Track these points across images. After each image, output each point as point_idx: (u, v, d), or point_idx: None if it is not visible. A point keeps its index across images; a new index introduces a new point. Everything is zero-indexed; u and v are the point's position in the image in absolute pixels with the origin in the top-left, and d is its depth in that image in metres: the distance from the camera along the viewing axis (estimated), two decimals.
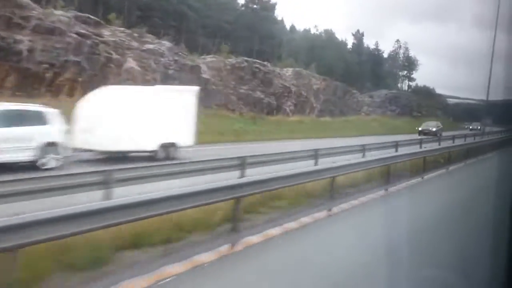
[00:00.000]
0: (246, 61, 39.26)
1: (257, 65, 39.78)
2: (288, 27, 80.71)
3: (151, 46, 29.19)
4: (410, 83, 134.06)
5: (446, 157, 16.05)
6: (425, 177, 12.83)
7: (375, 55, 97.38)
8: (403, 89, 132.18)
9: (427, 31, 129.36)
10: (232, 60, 38.67)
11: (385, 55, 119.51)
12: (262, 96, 38.40)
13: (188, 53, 37.66)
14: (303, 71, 47.38)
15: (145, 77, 26.49)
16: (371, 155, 12.48)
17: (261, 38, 61.26)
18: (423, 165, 13.57)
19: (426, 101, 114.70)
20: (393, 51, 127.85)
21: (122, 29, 28.91)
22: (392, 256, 4.84)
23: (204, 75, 31.66)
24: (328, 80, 51.11)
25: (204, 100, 31.73)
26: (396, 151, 15.72)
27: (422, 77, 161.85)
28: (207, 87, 31.66)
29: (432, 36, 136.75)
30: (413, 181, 11.96)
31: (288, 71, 45.92)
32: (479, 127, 44.75)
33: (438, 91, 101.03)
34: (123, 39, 27.46)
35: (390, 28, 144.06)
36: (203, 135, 17.03)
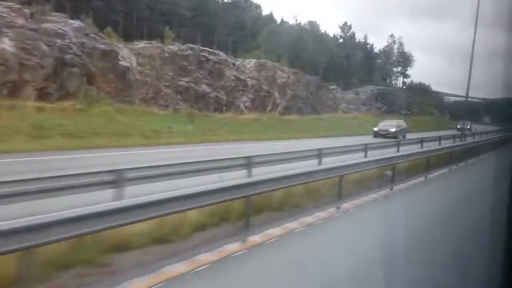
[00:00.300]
0: (192, 48, 33.17)
1: (205, 54, 33.70)
2: (279, 20, 74.58)
3: (48, 25, 23.15)
4: (405, 79, 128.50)
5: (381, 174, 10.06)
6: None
7: (364, 49, 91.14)
8: (398, 85, 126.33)
9: (426, 28, 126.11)
10: (174, 47, 32.61)
11: (379, 50, 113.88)
12: (209, 89, 32.33)
13: (121, 40, 31.71)
14: (268, 63, 41.26)
15: (24, 62, 20.48)
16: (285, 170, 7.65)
17: (231, 28, 55.31)
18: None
19: (421, 99, 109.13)
20: (387, 46, 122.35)
21: (10, 3, 22.90)
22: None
23: (123, 63, 25.59)
24: (299, 73, 44.98)
25: (122, 94, 25.81)
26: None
27: (422, 75, 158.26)
28: (126, 77, 25.63)
29: (432, 33, 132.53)
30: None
31: (251, 63, 39.92)
32: (468, 127, 40.95)
33: (439, 89, 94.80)
34: (5, 15, 21.47)
35: (389, 25, 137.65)
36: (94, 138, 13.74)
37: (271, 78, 38.80)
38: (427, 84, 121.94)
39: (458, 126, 41.35)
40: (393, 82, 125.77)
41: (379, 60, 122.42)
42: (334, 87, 53.74)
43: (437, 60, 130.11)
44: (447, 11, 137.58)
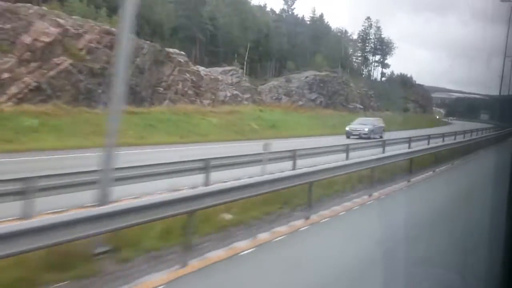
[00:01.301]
0: None
1: None
2: None
3: None
4: (384, 70, 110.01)
5: None
6: None
7: (317, 28, 72.94)
8: (375, 76, 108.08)
9: (426, 23, 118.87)
10: None
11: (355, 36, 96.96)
12: None
13: None
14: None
15: None
16: None
17: None
18: None
19: (399, 92, 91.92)
20: (362, 31, 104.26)
21: None
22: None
23: None
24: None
25: None
26: None
27: (421, 70, 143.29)
28: None
29: (432, 28, 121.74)
30: None
31: None
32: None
33: (440, 84, 78.94)
34: None
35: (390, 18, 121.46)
36: None
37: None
38: (408, 75, 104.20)
39: None
40: (371, 72, 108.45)
41: (351, 51, 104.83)
42: (205, 70, 35.97)
43: (438, 56, 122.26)
44: (447, 5, 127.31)
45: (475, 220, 6.04)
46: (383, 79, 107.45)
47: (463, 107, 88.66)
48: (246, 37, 52.59)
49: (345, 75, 55.34)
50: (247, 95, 36.30)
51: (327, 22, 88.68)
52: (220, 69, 38.05)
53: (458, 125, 55.36)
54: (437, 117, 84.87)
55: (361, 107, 53.73)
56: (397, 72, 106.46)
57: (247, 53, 54.31)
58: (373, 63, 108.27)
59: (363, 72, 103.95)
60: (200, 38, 44.82)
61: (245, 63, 54.53)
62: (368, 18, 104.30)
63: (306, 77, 49.88)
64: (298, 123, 32.79)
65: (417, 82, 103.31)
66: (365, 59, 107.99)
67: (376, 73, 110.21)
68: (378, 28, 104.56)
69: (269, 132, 28.22)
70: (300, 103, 44.92)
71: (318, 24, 75.53)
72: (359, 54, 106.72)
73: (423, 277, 4.41)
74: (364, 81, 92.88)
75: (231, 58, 43.06)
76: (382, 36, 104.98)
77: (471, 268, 4.29)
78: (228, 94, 32.68)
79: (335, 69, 54.24)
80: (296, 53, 60.66)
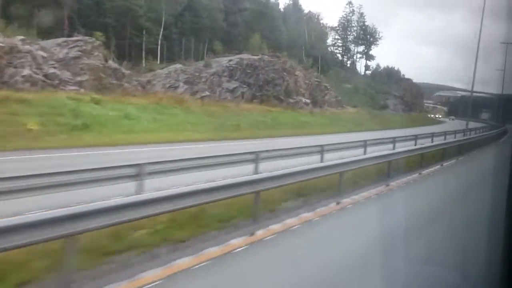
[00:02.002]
0: None
1: None
2: None
3: None
4: (369, 62, 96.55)
5: None
6: None
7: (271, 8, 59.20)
8: (359, 69, 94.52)
9: (431, 20, 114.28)
10: None
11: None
12: None
13: None
14: None
15: None
16: None
17: None
18: None
19: (381, 86, 79.11)
20: (343, 17, 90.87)
21: None
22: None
23: None
24: None
25: None
26: None
27: (422, 68, 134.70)
28: None
29: (437, 25, 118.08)
30: None
31: None
32: None
33: (450, 83, 73.34)
34: None
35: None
36: None
37: None
38: (395, 68, 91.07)
39: None
40: (355, 64, 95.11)
41: (332, 40, 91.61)
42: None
43: (443, 54, 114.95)
44: (453, 2, 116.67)
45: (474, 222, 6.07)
46: (368, 72, 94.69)
47: (467, 105, 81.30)
48: (156, 7, 39.66)
49: (291, 61, 42.08)
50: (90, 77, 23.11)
51: (301, 4, 75.61)
52: (59, 40, 25.08)
53: (450, 124, 52.91)
54: (431, 115, 78.42)
55: (308, 101, 40.51)
56: (388, 65, 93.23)
57: (161, 30, 41.43)
58: (356, 54, 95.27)
59: (346, 64, 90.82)
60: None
61: (159, 41, 41.76)
62: (350, 3, 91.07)
63: (230, 60, 36.80)
64: (138, 122, 19.89)
65: (405, 76, 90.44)
66: (347, 49, 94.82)
67: (360, 65, 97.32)
68: (361, 15, 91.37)
69: (62, 137, 15.58)
70: (207, 93, 31.86)
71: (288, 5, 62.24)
72: (340, 44, 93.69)
73: (423, 276, 4.42)
74: (343, 73, 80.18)
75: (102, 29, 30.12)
76: (366, 23, 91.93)
77: (470, 267, 4.32)
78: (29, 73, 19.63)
79: (277, 53, 41.18)
80: (234, 33, 47.59)
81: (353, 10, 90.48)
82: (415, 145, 17.36)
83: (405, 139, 18.51)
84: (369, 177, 10.32)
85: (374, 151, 12.32)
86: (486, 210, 5.32)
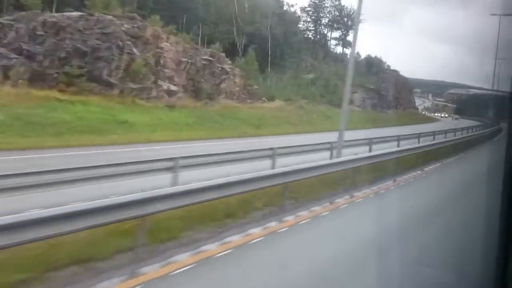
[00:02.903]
0: None
1: None
2: None
3: None
4: (346, 49, 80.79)
5: None
6: None
7: None
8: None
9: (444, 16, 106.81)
10: None
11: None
12: None
13: None
14: None
15: None
16: None
17: None
18: None
19: (356, 77, 62.60)
20: None
21: None
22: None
23: None
24: None
25: None
26: None
27: (439, 64, 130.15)
28: None
29: (452, 22, 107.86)
30: None
31: None
32: None
33: (463, 81, 70.10)
34: None
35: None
36: None
37: None
38: (379, 57, 75.63)
39: None
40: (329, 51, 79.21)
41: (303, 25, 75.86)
42: None
43: (457, 51, 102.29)
44: None
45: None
46: (341, 61, 78.75)
47: (476, 103, 77.90)
48: None
49: (146, 24, 26.82)
50: None
51: None
52: None
53: (446, 123, 50.07)
54: (426, 113, 76.69)
55: (175, 89, 25.31)
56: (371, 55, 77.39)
57: None
58: (330, 41, 79.17)
59: (317, 51, 75.03)
60: None
61: None
62: None
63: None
64: None
65: (392, 67, 74.25)
66: (320, 34, 78.86)
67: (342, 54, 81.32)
68: None
69: None
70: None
71: None
72: (311, 27, 77.71)
73: (417, 276, 4.43)
74: (310, 61, 64.83)
75: None
76: (343, 4, 75.90)
77: (465, 267, 4.33)
78: None
79: (137, 15, 26.24)
80: None
81: None
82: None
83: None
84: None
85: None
86: (471, 217, 5.98)
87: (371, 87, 62.25)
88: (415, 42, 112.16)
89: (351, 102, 55.42)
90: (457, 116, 70.51)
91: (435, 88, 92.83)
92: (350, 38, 76.46)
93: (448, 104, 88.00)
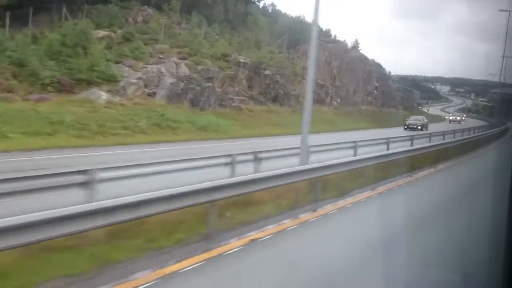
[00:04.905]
0: None
1: None
2: None
3: None
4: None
5: None
6: None
7: None
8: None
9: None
10: None
11: None
12: None
13: None
14: None
15: None
16: None
17: None
18: None
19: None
20: None
21: None
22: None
23: None
24: None
25: None
26: None
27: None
28: None
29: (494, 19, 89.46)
30: None
31: None
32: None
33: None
34: None
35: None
36: None
37: None
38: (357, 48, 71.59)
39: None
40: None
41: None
42: None
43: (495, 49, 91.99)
44: None
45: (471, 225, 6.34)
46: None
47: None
48: None
49: None
50: None
51: None
52: None
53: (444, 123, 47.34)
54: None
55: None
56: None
57: None
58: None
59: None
60: None
61: None
62: None
63: None
64: None
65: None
66: None
67: None
68: None
69: None
70: None
71: None
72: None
73: (423, 277, 4.46)
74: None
75: None
76: None
77: (472, 268, 4.35)
78: None
79: None
80: None
81: None
82: None
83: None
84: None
85: None
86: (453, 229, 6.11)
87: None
88: (455, 39, 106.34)
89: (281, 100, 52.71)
90: (458, 118, 66.30)
91: (479, 88, 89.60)
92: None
93: (488, 104, 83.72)
